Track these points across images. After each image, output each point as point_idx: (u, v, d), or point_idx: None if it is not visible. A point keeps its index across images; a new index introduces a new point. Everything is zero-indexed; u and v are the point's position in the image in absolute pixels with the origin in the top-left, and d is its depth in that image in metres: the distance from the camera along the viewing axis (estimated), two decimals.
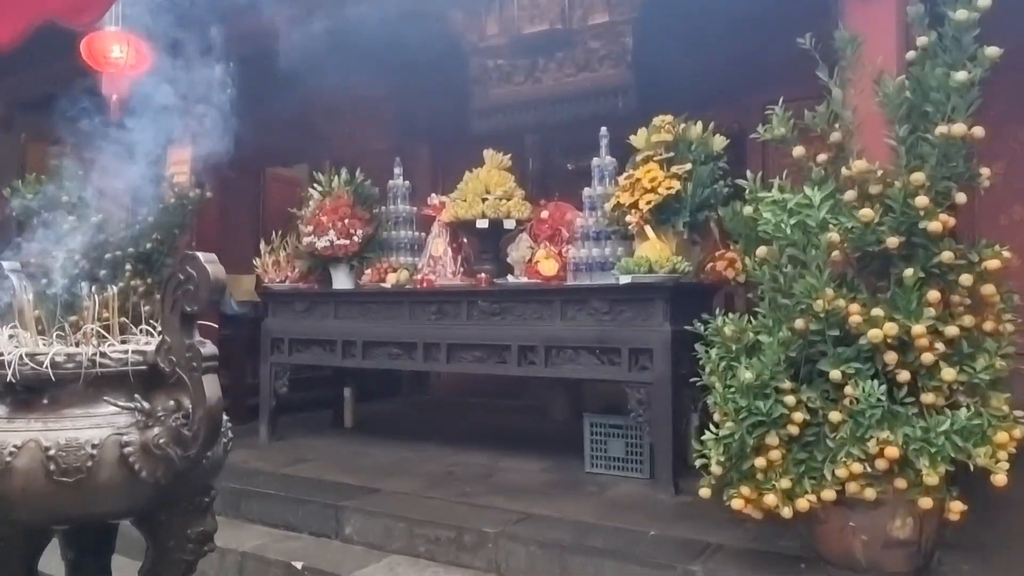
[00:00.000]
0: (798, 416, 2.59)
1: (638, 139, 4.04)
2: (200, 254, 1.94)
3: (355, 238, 4.69)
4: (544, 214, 4.54)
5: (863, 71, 2.76)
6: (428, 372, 6.98)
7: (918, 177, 2.56)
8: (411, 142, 7.48)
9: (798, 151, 2.87)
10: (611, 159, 4.23)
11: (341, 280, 4.84)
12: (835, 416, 2.54)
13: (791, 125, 2.93)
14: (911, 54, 2.75)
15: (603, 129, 4.29)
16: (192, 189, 4.97)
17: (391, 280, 4.58)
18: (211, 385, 1.87)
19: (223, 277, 1.95)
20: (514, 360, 4.08)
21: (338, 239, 4.67)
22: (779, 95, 3.19)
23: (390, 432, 5.38)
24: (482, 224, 4.50)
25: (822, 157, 2.88)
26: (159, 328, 1.99)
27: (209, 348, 1.91)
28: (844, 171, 2.75)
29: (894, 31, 3.18)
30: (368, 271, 4.73)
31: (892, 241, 2.55)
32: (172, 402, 1.85)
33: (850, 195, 2.69)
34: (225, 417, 2.04)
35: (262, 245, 5.08)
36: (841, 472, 2.48)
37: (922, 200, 2.52)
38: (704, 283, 4.16)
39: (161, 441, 1.80)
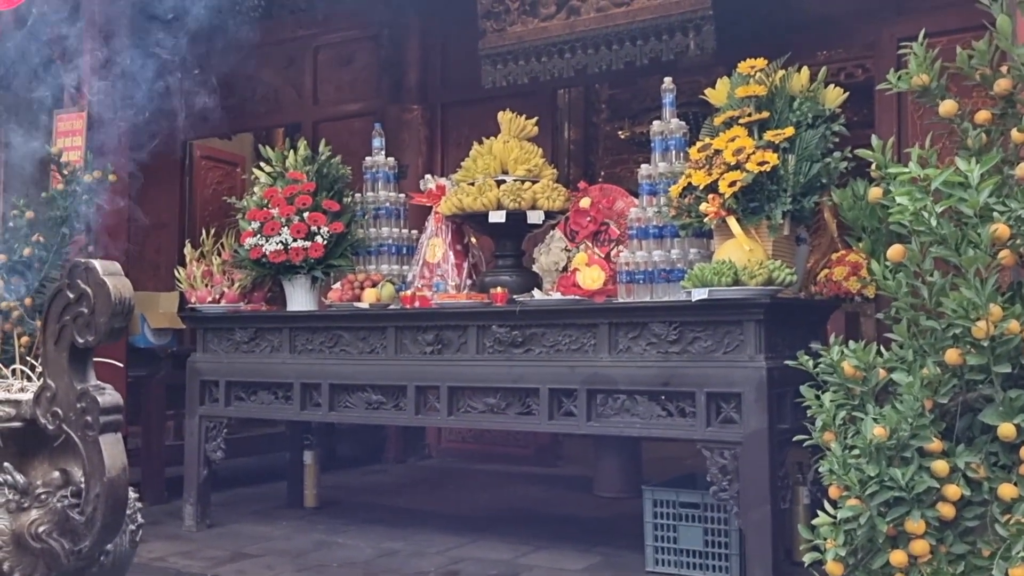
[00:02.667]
0: (953, 490, 2.54)
1: (717, 94, 4.02)
2: (98, 263, 1.96)
3: (319, 238, 4.72)
4: (585, 203, 4.54)
5: None
6: (423, 428, 6.99)
7: None
8: (397, 101, 7.54)
9: (948, 107, 2.83)
10: (679, 123, 4.22)
11: (299, 298, 4.87)
12: (1007, 491, 2.50)
13: (938, 70, 2.91)
14: None
15: (667, 80, 4.28)
16: (88, 170, 5.03)
17: (370, 298, 4.60)
18: (112, 448, 1.88)
19: (130, 296, 1.97)
20: (544, 410, 4.06)
21: (294, 240, 4.71)
22: (920, 27, 3.17)
23: (369, 514, 5.38)
24: (497, 217, 4.51)
25: (983, 115, 2.85)
26: (39, 369, 2.00)
27: (110, 396, 1.93)
28: (1015, 135, 2.72)
29: None
30: (337, 285, 4.75)
31: None
32: (57, 474, 1.87)
33: None
34: (134, 494, 2.06)
35: (187, 249, 5.13)
36: (1018, 572, 2.43)
37: None
38: (815, 299, 4.13)
39: (41, 529, 1.82)
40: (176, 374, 5.47)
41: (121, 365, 4.62)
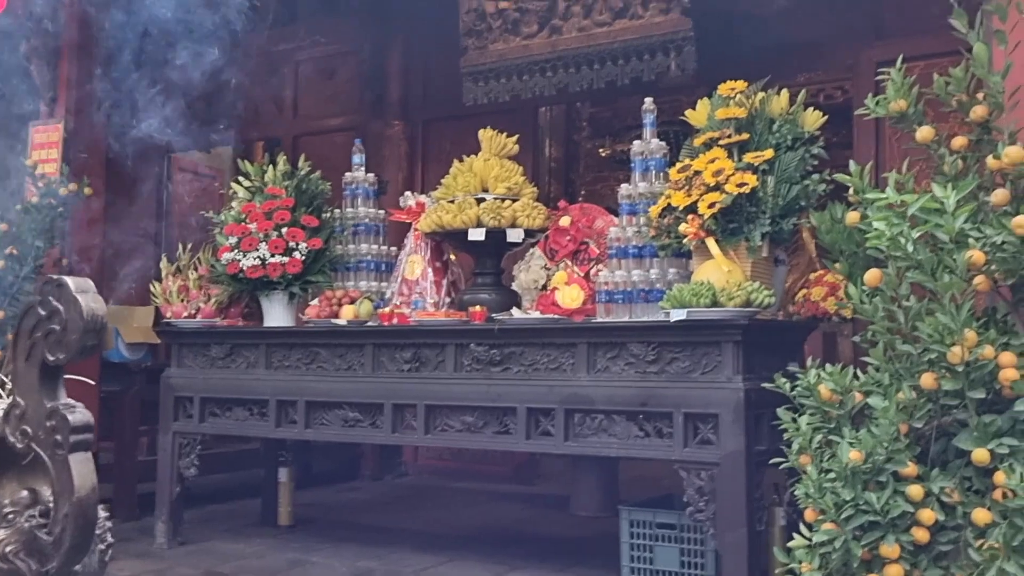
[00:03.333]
0: (927, 515, 2.56)
1: (697, 115, 4.05)
2: (70, 280, 1.95)
3: (297, 254, 4.71)
4: (565, 221, 4.55)
5: (1018, 18, 2.77)
6: (400, 445, 6.97)
7: None
8: (378, 117, 7.55)
9: (924, 133, 2.87)
10: (659, 143, 4.25)
11: (276, 314, 4.86)
12: (981, 516, 2.51)
13: (915, 95, 2.94)
14: None
15: (648, 101, 4.31)
16: (63, 183, 5.01)
17: (347, 314, 4.59)
18: (82, 468, 1.87)
19: (102, 313, 1.96)
20: (521, 429, 4.06)
21: (272, 255, 4.69)
22: (899, 51, 3.21)
23: (344, 532, 5.35)
24: (477, 235, 4.52)
25: (959, 141, 2.88)
26: (9, 386, 1.99)
27: (80, 415, 1.92)
28: (990, 161, 2.75)
29: None
30: (315, 302, 4.75)
31: None
32: (25, 492, 1.85)
33: (1000, 196, 2.69)
34: (104, 513, 2.04)
35: (163, 263, 5.11)
36: None
37: None
38: (793, 319, 4.16)
39: (8, 549, 1.80)
40: (150, 389, 5.42)
41: (93, 383, 4.58)
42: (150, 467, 5.32)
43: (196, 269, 5.03)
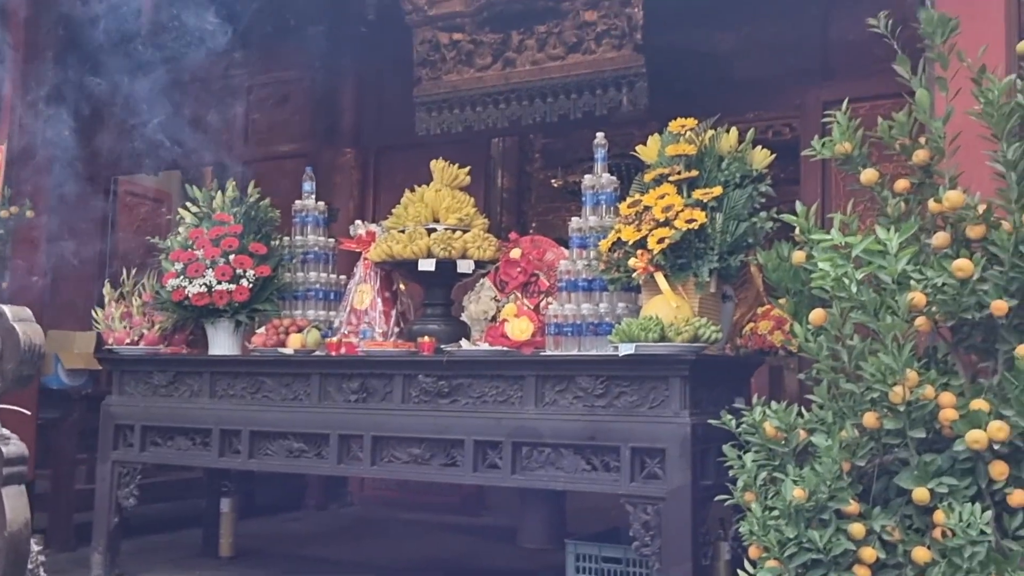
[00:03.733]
0: (868, 553, 2.58)
1: (648, 151, 4.10)
2: (7, 309, 1.92)
3: (244, 282, 4.67)
4: (515, 253, 4.56)
5: (959, 66, 2.84)
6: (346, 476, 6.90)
7: None
8: (329, 145, 7.54)
9: (868, 176, 2.92)
10: (610, 178, 4.28)
11: (221, 342, 4.80)
12: (921, 554, 2.53)
13: (860, 138, 3.00)
14: None
15: (599, 136, 4.34)
16: (4, 206, 4.92)
17: (294, 343, 4.55)
18: (15, 502, 1.83)
19: (40, 343, 1.93)
20: (468, 461, 4.04)
21: (219, 283, 4.64)
22: (845, 91, 3.27)
23: (288, 564, 5.28)
24: (427, 266, 4.51)
25: (902, 184, 2.94)
26: None
27: (15, 447, 1.88)
28: (932, 204, 2.80)
29: (1002, 12, 3.29)
30: (262, 330, 4.70)
31: (999, 305, 2.59)
32: None
33: (941, 239, 2.74)
34: (37, 547, 2.00)
35: (107, 289, 5.03)
36: None
37: None
38: (740, 353, 4.20)
39: None
40: (90, 416, 5.32)
41: (28, 413, 4.48)
42: (88, 496, 5.21)
43: (140, 295, 4.96)
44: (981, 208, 2.73)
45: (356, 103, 7.55)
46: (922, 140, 2.93)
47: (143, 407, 4.86)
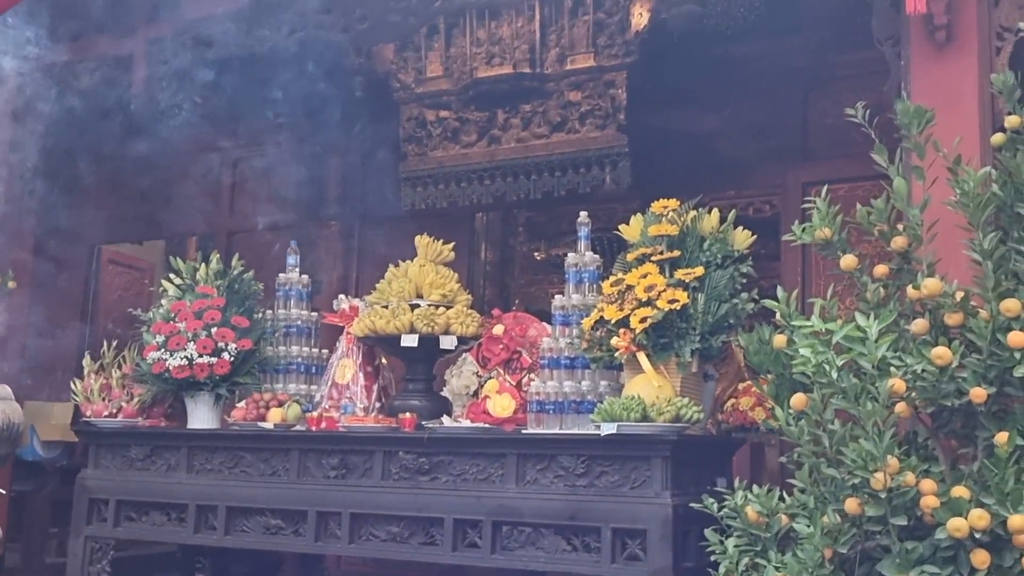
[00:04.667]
0: None
1: (631, 230, 4.14)
2: None
3: (226, 355, 4.64)
4: (498, 329, 4.57)
5: (935, 156, 2.91)
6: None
7: (1011, 304, 2.66)
8: (315, 216, 7.56)
9: (848, 261, 2.97)
10: (593, 256, 4.31)
11: (201, 416, 4.75)
12: None
13: (839, 223, 3.05)
14: (998, 137, 2.91)
15: (583, 214, 4.38)
16: None
17: (275, 418, 4.51)
18: None
19: (20, 422, 1.93)
20: (448, 541, 3.99)
21: (200, 356, 4.62)
22: (824, 172, 3.34)
23: None
24: (410, 341, 4.51)
25: (881, 270, 2.99)
26: None
27: None
28: (911, 291, 2.85)
29: (976, 104, 3.39)
30: (242, 404, 4.66)
31: (978, 393, 2.61)
32: None
33: (919, 325, 2.78)
34: None
35: (86, 360, 4.99)
36: None
37: (1018, 337, 2.61)
38: (722, 428, 4.20)
39: None
40: (64, 489, 5.23)
41: (3, 492, 4.44)
42: (59, 570, 5.10)
43: (120, 367, 4.93)
44: (959, 296, 2.77)
45: (341, 176, 7.59)
46: (900, 227, 2.99)
47: (119, 481, 4.78)
